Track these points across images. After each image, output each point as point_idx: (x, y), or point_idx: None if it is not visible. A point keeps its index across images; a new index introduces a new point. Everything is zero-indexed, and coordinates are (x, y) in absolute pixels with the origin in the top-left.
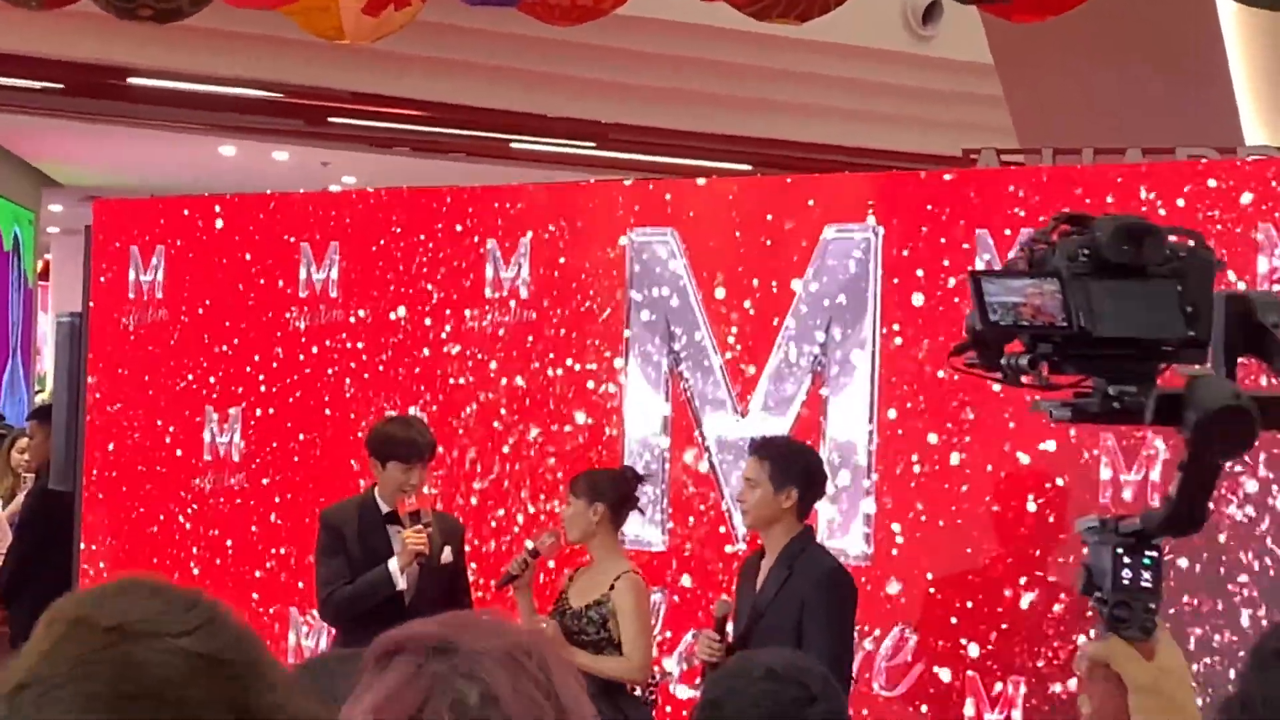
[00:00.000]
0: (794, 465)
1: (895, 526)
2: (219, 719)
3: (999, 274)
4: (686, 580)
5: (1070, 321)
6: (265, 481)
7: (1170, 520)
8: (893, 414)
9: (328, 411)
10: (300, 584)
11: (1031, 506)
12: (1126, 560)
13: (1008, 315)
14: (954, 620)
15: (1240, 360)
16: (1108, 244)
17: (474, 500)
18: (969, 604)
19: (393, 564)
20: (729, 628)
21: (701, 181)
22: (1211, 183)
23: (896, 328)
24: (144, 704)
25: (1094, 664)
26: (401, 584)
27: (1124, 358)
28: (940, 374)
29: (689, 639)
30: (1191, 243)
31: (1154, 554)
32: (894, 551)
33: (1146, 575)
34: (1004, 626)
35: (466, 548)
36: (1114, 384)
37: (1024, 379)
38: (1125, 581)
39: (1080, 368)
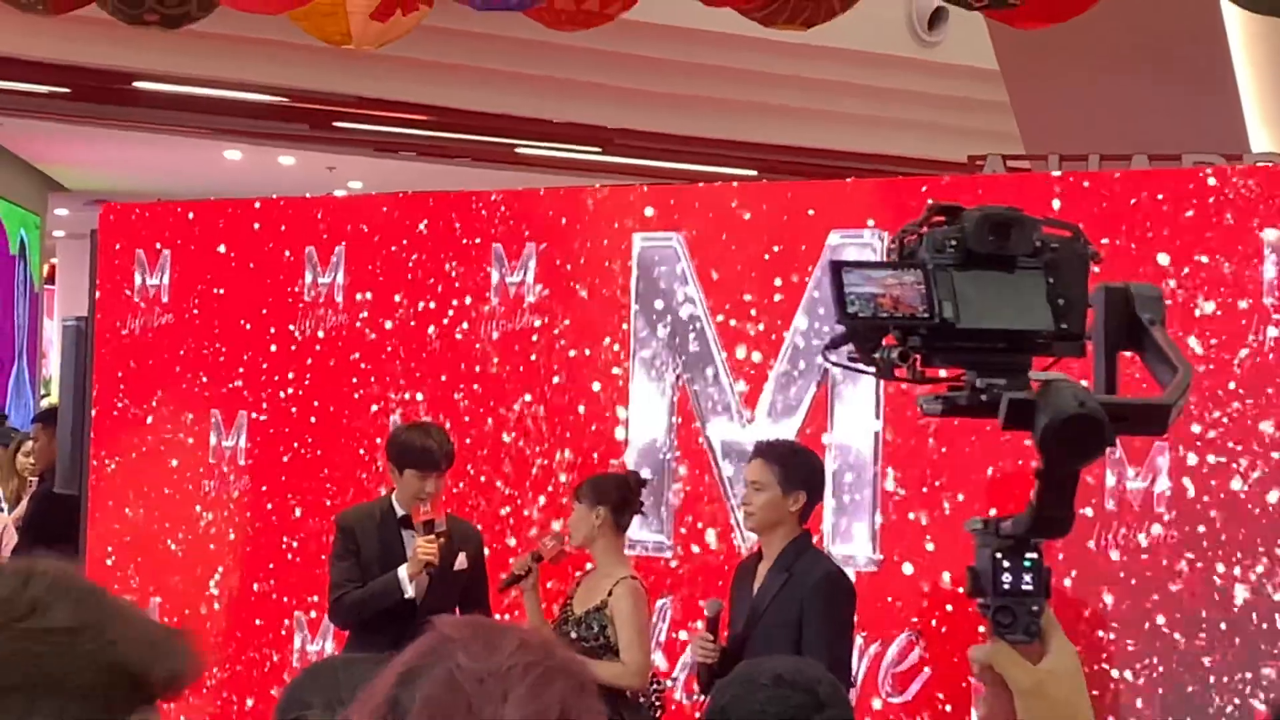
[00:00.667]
0: (801, 469)
1: (902, 533)
2: (96, 681)
3: (860, 265)
4: (691, 587)
5: (932, 312)
6: (270, 485)
7: (1036, 525)
8: (898, 420)
9: (332, 416)
10: (306, 588)
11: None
12: (1006, 564)
13: (866, 307)
14: (961, 626)
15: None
16: (973, 234)
17: (481, 504)
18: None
19: (402, 571)
20: (725, 630)
21: (711, 202)
22: (1213, 181)
23: None
24: (19, 695)
25: (983, 668)
26: (410, 591)
27: (992, 350)
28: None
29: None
30: (1067, 235)
31: (1034, 556)
32: (900, 558)
33: (1028, 578)
34: None
35: (486, 551)
36: (983, 377)
37: (897, 372)
38: (1006, 585)
39: (948, 360)
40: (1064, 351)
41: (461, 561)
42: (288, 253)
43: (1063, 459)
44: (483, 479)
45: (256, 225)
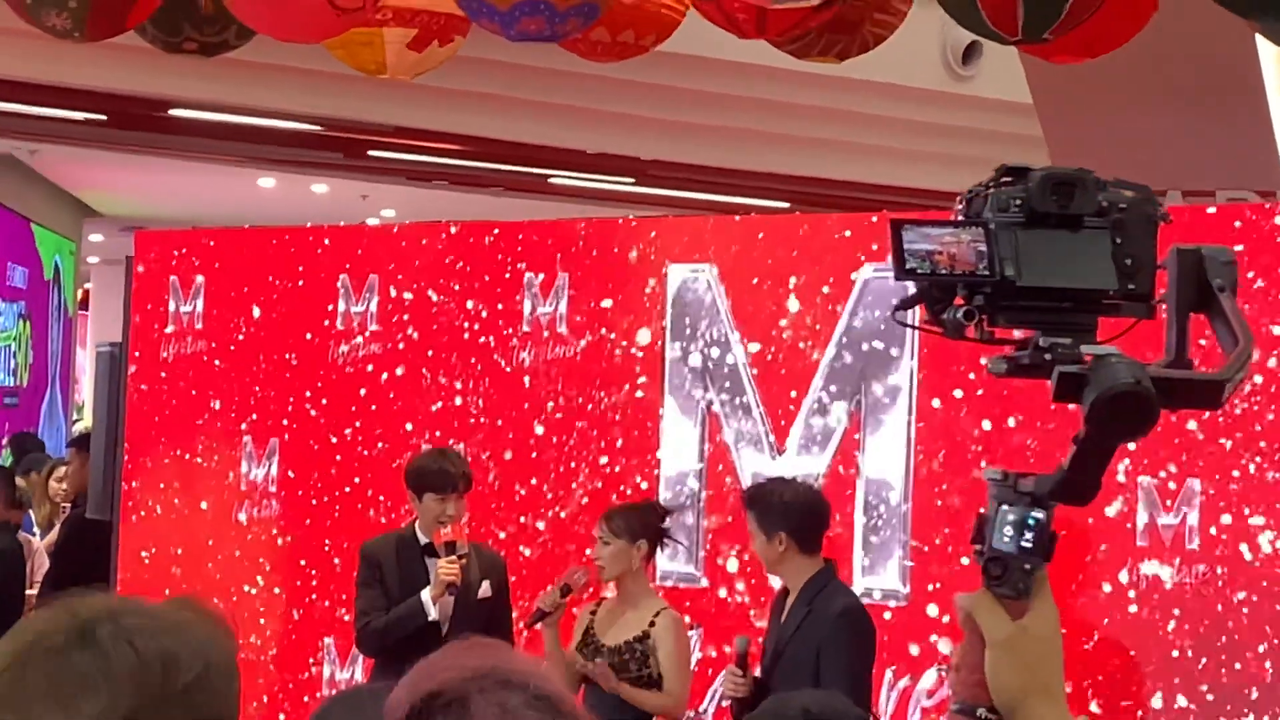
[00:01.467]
0: (774, 509)
1: (932, 567)
2: None
3: (920, 223)
4: (721, 619)
5: (993, 270)
6: (301, 512)
7: (1061, 489)
8: (928, 453)
9: (364, 443)
10: (336, 615)
11: (1068, 547)
12: (1011, 518)
13: (923, 264)
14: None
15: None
16: (1037, 193)
17: (510, 533)
18: None
19: (425, 594)
20: (755, 666)
21: (744, 233)
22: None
23: (933, 365)
24: None
25: (965, 615)
26: (433, 614)
27: (1058, 309)
28: (982, 425)
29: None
30: (1134, 194)
31: (1040, 516)
32: (929, 592)
33: (1028, 536)
34: None
35: (511, 577)
36: (1047, 336)
37: (966, 332)
38: (1007, 539)
39: (1013, 320)
40: (1132, 312)
41: (486, 590)
42: (321, 281)
43: (1110, 433)
44: (514, 507)
45: (290, 253)
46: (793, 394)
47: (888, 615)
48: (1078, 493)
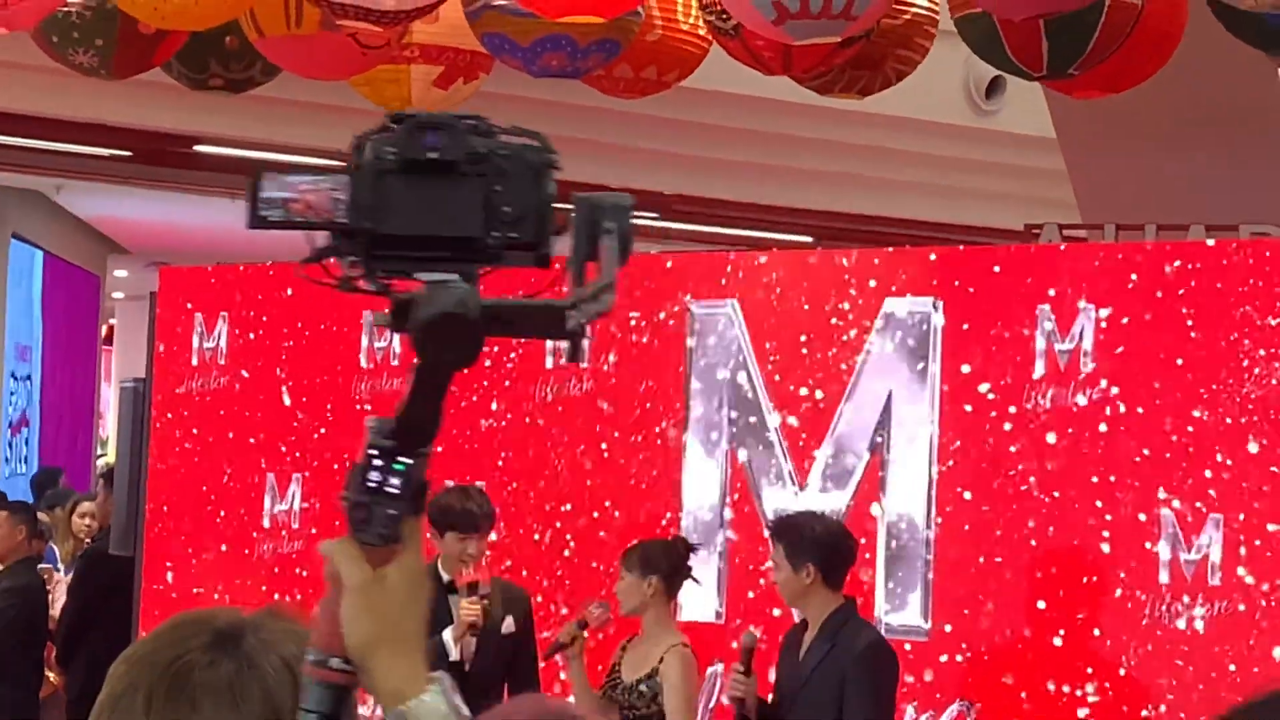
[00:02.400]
0: (804, 541)
1: (954, 602)
2: None
3: (285, 170)
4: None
5: (351, 218)
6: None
7: (399, 429)
8: (951, 488)
9: None
10: None
11: (1088, 582)
12: (378, 463)
13: (277, 212)
14: (1014, 696)
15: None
16: (404, 140)
17: (523, 572)
18: (1035, 678)
19: (447, 634)
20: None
21: (767, 269)
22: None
23: (955, 402)
24: None
25: (328, 563)
26: (454, 654)
27: (436, 260)
28: (1012, 449)
29: (714, 670)
30: (525, 142)
31: (408, 462)
32: (952, 627)
33: (395, 481)
34: (1062, 701)
35: (543, 632)
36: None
37: (360, 284)
38: (372, 484)
39: (392, 270)
40: (519, 261)
41: (509, 625)
42: (345, 317)
43: (435, 360)
44: (533, 542)
45: (313, 289)
46: (810, 427)
47: (909, 650)
48: (417, 428)
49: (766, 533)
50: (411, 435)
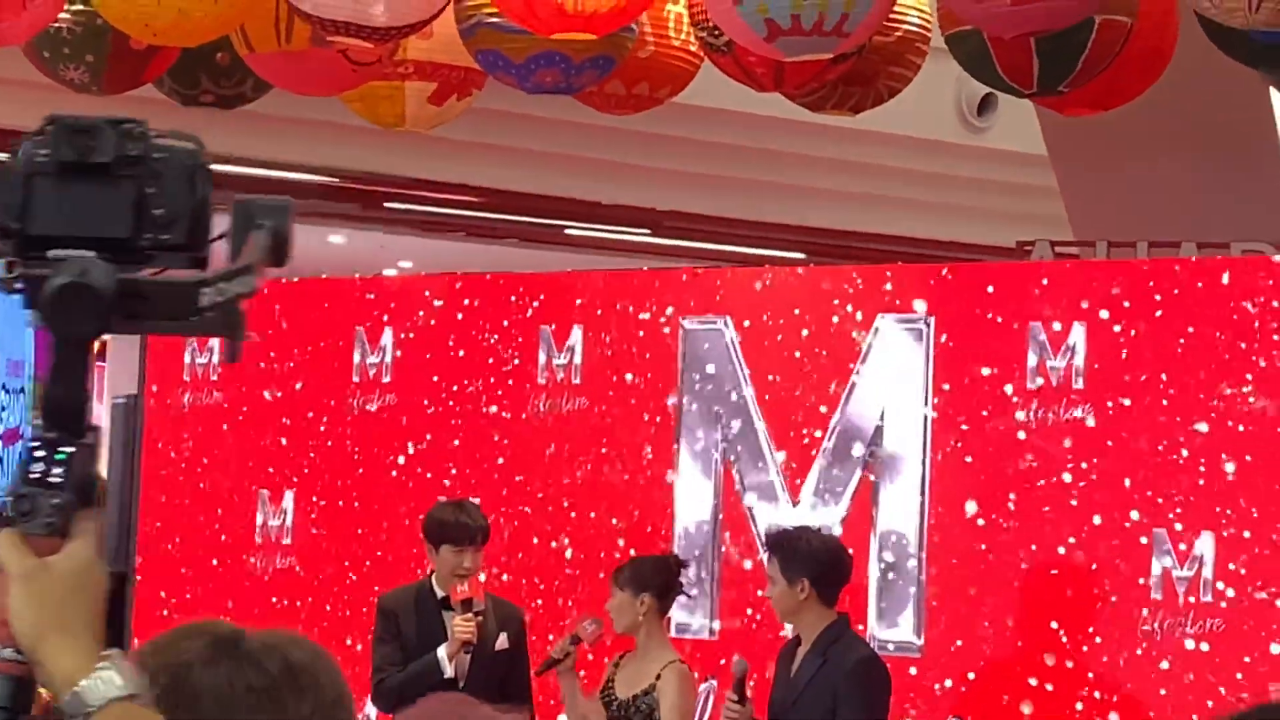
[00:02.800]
0: (799, 556)
1: (946, 618)
2: None
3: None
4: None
5: (1, 219)
6: (316, 564)
7: (45, 410)
8: (943, 504)
9: (379, 496)
10: (351, 668)
11: (1079, 598)
12: (41, 453)
13: None
14: (1005, 711)
15: None
16: (57, 142)
17: (523, 584)
18: (1029, 695)
19: (441, 651)
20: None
21: (759, 286)
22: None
23: (947, 418)
24: None
25: None
26: (449, 671)
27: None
28: (998, 474)
29: (707, 687)
30: (180, 145)
31: (70, 450)
32: (944, 643)
33: (57, 470)
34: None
35: (533, 637)
36: None
37: (17, 286)
38: (35, 475)
39: (39, 271)
40: (171, 262)
41: (503, 642)
42: (336, 332)
43: (62, 332)
44: (527, 559)
45: (305, 305)
46: (802, 443)
47: (912, 669)
48: (62, 408)
49: (762, 548)
50: (59, 417)
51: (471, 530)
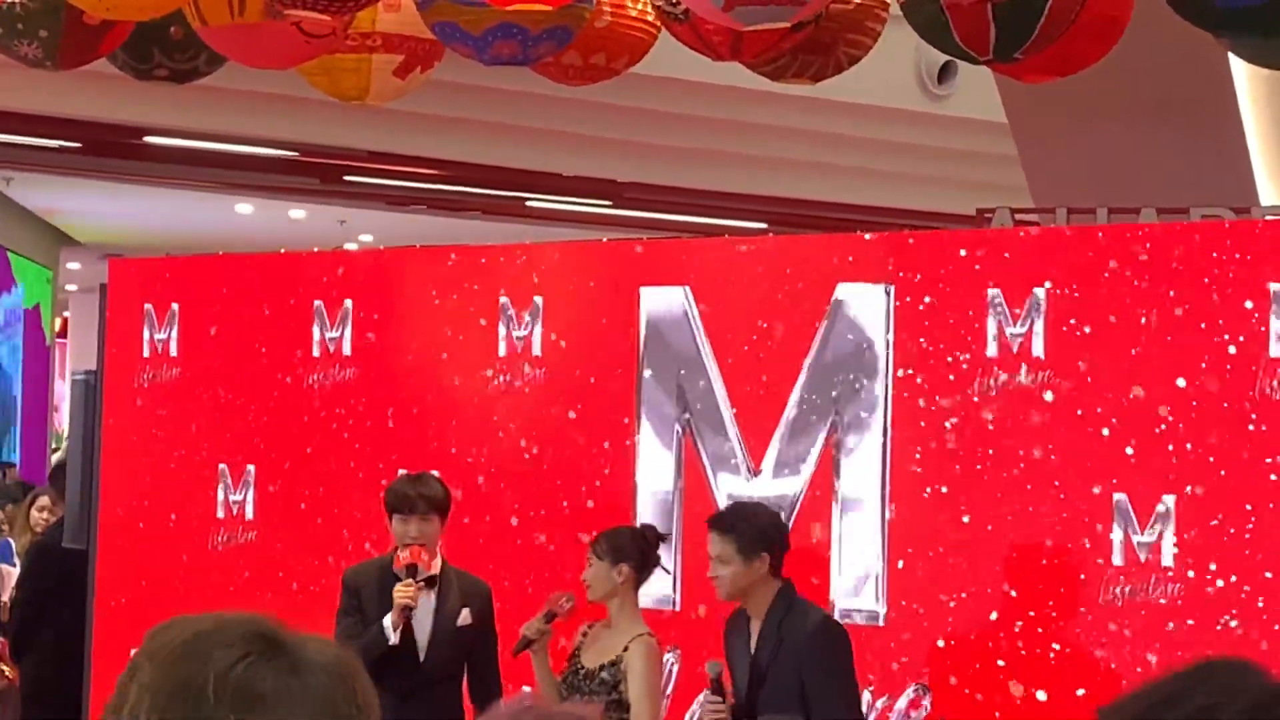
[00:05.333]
0: (756, 531)
1: (908, 586)
2: None
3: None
4: (697, 641)
5: None
6: (278, 540)
7: None
8: (905, 473)
9: (340, 471)
10: None
11: (1043, 565)
12: None
13: None
14: (970, 678)
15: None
16: None
17: (485, 558)
18: (992, 663)
19: (387, 620)
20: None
21: (715, 246)
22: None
23: (908, 387)
24: None
25: None
26: (393, 639)
27: None
28: (959, 443)
29: (697, 704)
30: None
31: None
32: (906, 611)
33: None
34: (1019, 686)
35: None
36: None
37: None
38: None
39: None
40: None
41: (465, 617)
42: (296, 307)
43: None
44: (488, 534)
45: (265, 280)
46: (768, 415)
47: (880, 638)
48: None
49: (709, 526)
50: None
51: (412, 500)
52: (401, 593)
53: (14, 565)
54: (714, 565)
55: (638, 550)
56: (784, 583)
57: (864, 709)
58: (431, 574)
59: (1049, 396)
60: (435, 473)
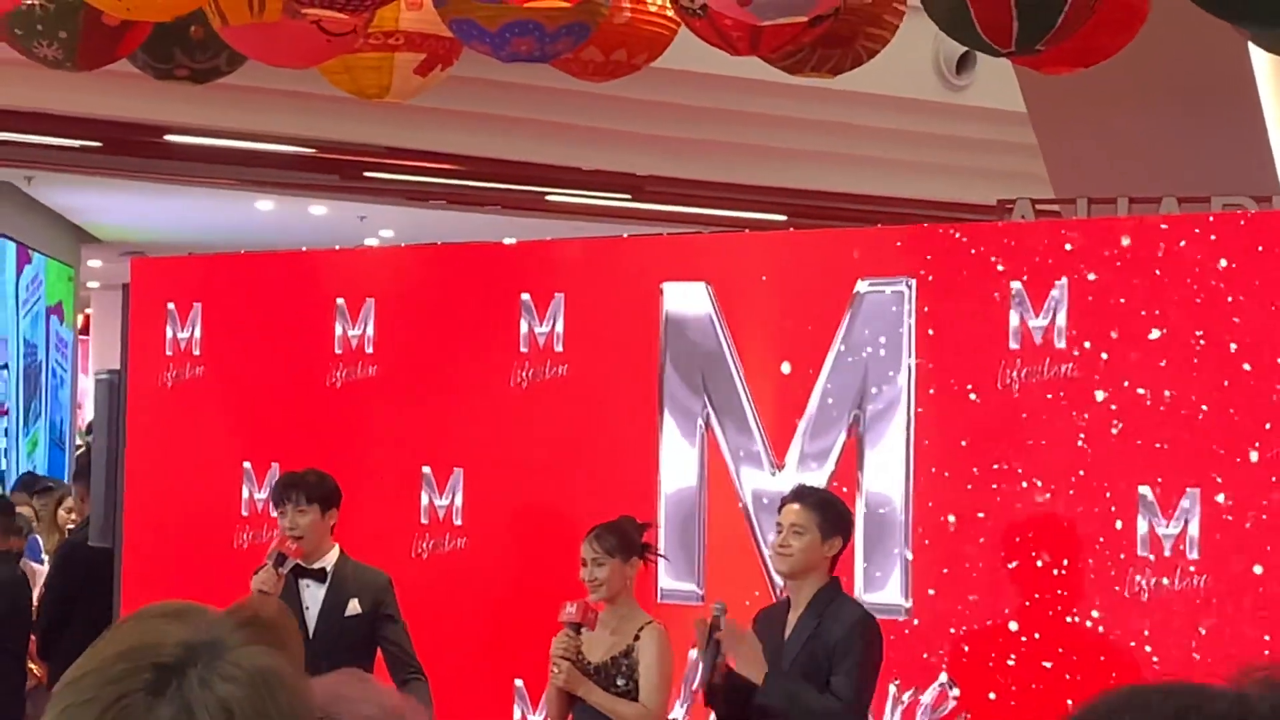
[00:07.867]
0: (839, 516)
1: (933, 581)
2: None
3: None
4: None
5: None
6: None
7: None
8: (929, 469)
9: (363, 467)
10: None
11: (1067, 558)
12: None
13: None
14: (994, 673)
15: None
16: None
17: (513, 558)
18: (1017, 654)
19: None
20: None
21: (736, 239)
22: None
23: (930, 380)
24: None
25: None
26: None
27: None
28: (981, 437)
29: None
30: None
31: None
32: (931, 605)
33: None
34: (1043, 678)
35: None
36: None
37: None
38: None
39: None
40: None
41: (354, 608)
42: (318, 305)
43: None
44: (508, 529)
45: (287, 277)
46: (791, 410)
47: (904, 631)
48: None
49: (792, 499)
50: None
51: (278, 489)
52: (256, 578)
53: (41, 563)
54: (787, 535)
55: (640, 544)
56: (833, 578)
57: (877, 707)
58: (290, 560)
59: (1071, 389)
60: (427, 470)
